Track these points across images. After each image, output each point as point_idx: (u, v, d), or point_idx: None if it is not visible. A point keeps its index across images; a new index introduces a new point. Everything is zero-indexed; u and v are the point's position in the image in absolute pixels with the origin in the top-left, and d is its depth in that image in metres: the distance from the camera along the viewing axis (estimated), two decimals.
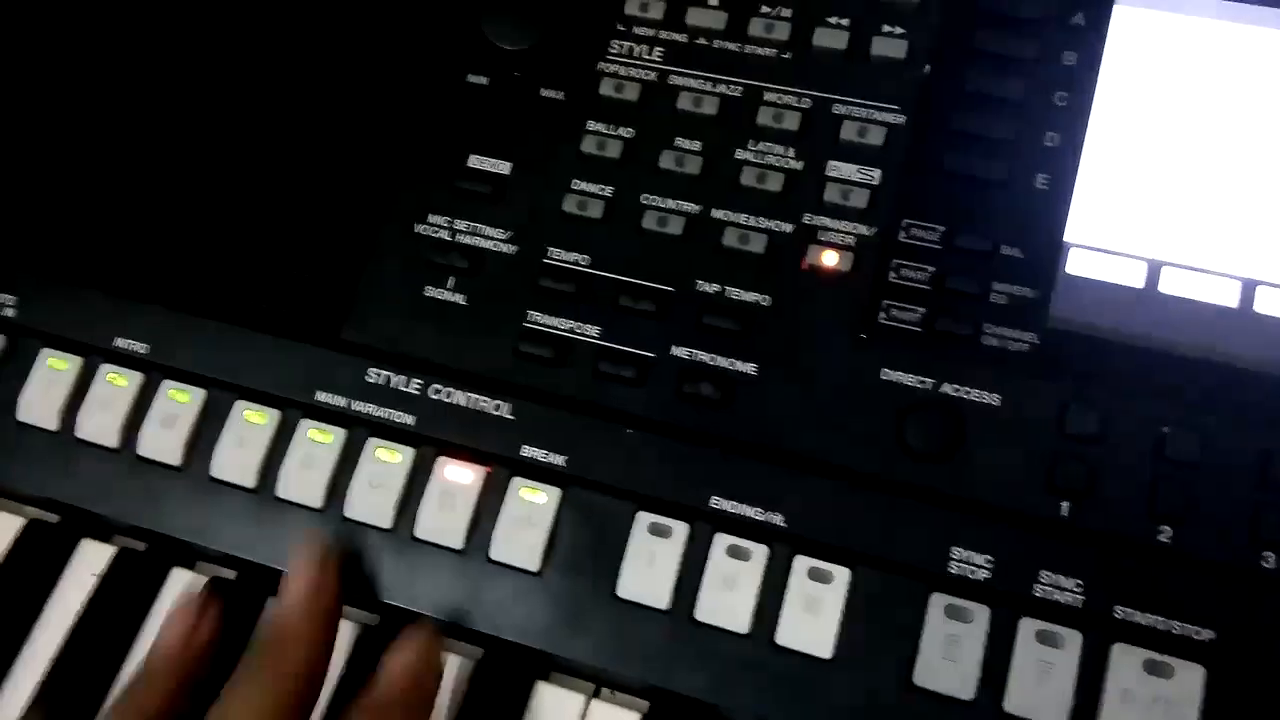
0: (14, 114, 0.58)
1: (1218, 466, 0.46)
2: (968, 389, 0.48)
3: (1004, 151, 0.50)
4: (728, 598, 0.47)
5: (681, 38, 0.54)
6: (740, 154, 0.52)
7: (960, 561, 0.46)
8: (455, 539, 0.49)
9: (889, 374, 0.48)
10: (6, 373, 0.54)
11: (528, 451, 0.50)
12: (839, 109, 0.52)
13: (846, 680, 0.46)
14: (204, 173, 0.55)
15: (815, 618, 0.46)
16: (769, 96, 0.53)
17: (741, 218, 0.51)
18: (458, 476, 0.49)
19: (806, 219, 0.51)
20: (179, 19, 0.58)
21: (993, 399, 0.48)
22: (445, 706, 0.48)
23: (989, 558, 0.46)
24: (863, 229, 0.50)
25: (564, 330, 0.51)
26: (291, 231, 0.54)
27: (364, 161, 0.55)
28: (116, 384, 0.52)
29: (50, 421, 0.53)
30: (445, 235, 0.53)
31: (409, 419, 0.51)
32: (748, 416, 0.49)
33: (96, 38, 0.58)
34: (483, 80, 0.55)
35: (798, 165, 0.52)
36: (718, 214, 0.52)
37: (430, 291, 0.52)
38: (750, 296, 0.50)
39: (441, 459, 0.50)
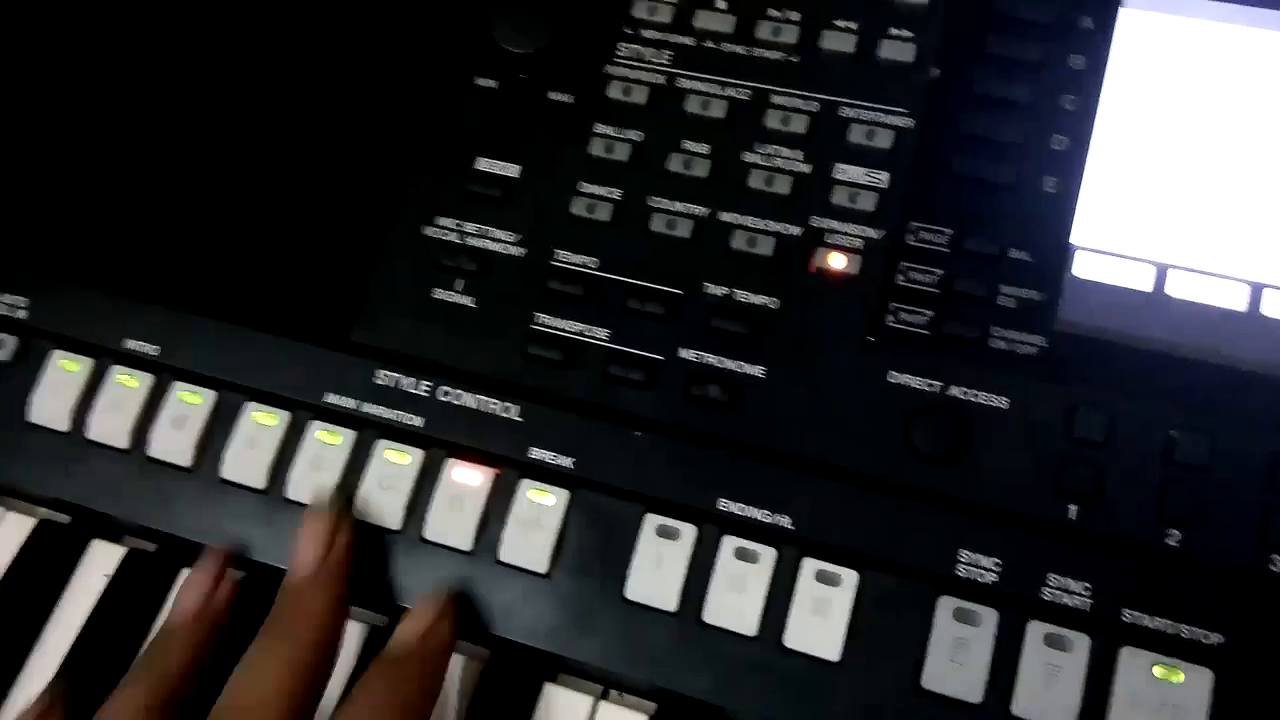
0: (26, 117, 0.58)
1: (1226, 469, 0.46)
2: (975, 392, 0.48)
3: (1011, 155, 0.50)
4: (736, 600, 0.47)
5: (689, 41, 0.54)
6: (748, 157, 0.52)
7: (968, 564, 0.46)
8: (464, 540, 0.49)
9: (896, 377, 0.48)
10: (18, 374, 0.54)
11: (536, 453, 0.50)
12: (847, 112, 0.52)
13: (854, 683, 0.46)
14: (215, 175, 0.55)
15: (823, 620, 0.46)
16: (777, 99, 0.53)
17: (749, 220, 0.51)
18: (466, 478, 0.50)
19: (814, 222, 0.51)
20: (187, 20, 0.58)
21: (1000, 402, 0.48)
22: (453, 707, 0.49)
23: (997, 561, 0.46)
24: (870, 232, 0.51)
25: (572, 333, 0.51)
26: (301, 234, 0.54)
27: (373, 164, 0.55)
28: (127, 385, 0.53)
29: (61, 422, 0.53)
30: (454, 238, 0.53)
31: (418, 421, 0.51)
32: (755, 419, 0.49)
33: (108, 40, 0.58)
34: (491, 83, 0.55)
35: (805, 168, 0.52)
36: (726, 217, 0.52)
37: (439, 294, 0.52)
38: (758, 299, 0.50)
39: (450, 461, 0.50)
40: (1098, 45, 0.51)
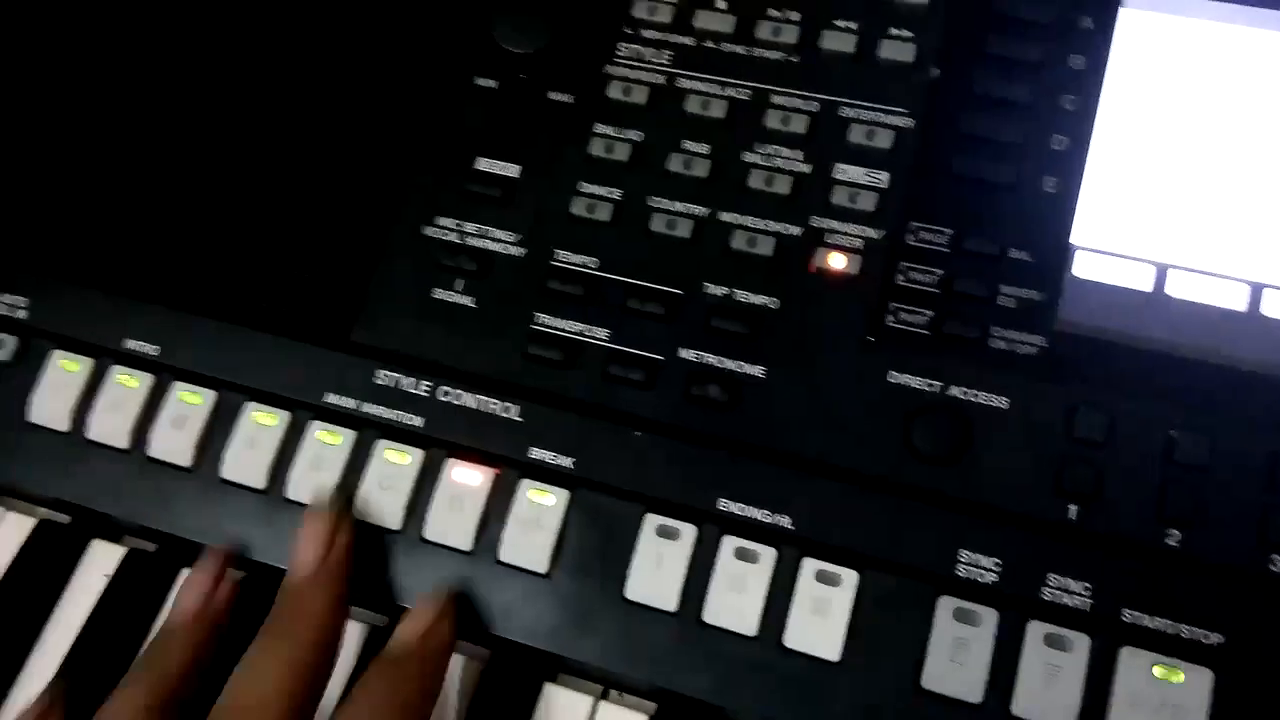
0: (25, 117, 0.58)
1: (1226, 469, 0.46)
2: (975, 392, 0.48)
3: (1011, 154, 0.50)
4: (736, 600, 0.47)
5: (689, 41, 0.54)
6: (748, 157, 0.52)
7: (968, 564, 0.46)
8: (464, 540, 0.49)
9: (896, 377, 0.48)
10: (18, 374, 0.54)
11: (536, 453, 0.50)
12: (847, 112, 0.52)
13: (854, 683, 0.46)
14: (215, 175, 0.55)
15: (823, 620, 0.46)
16: (777, 99, 0.53)
17: (749, 220, 0.51)
18: (466, 478, 0.50)
19: (814, 222, 0.51)
20: (187, 20, 0.58)
21: (1000, 402, 0.48)
22: (453, 707, 0.49)
23: (997, 561, 0.46)
24: (870, 232, 0.51)
25: (572, 333, 0.51)
26: (301, 234, 0.54)
27: (373, 164, 0.55)
28: (127, 385, 0.53)
29: (61, 422, 0.53)
30: (454, 238, 0.53)
31: (418, 421, 0.51)
32: (755, 419, 0.49)
33: (108, 40, 0.58)
34: (491, 83, 0.55)
35: (805, 168, 0.52)
36: (725, 217, 0.52)
37: (439, 294, 0.52)
38: (758, 299, 0.50)
39: (450, 461, 0.50)
40: (1098, 45, 0.51)
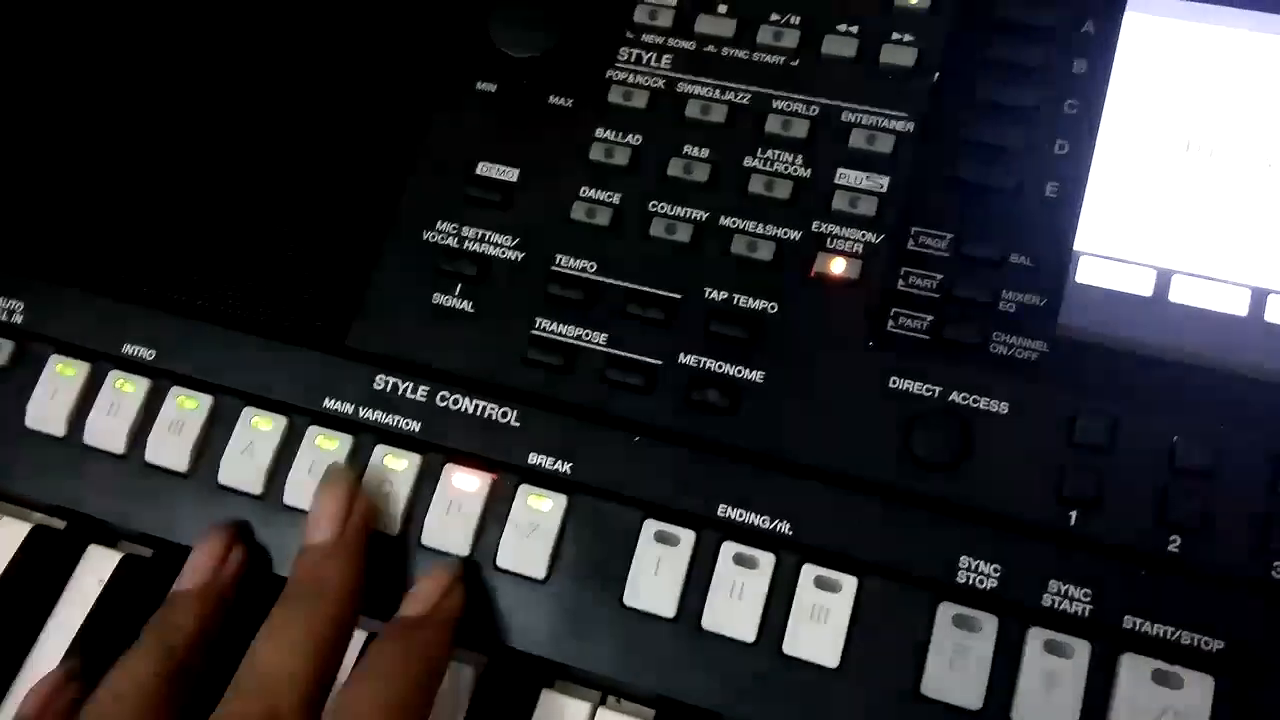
0: (21, 120, 0.58)
1: (1228, 475, 0.45)
2: (976, 397, 0.48)
3: (1013, 159, 0.50)
4: (734, 606, 0.46)
5: (690, 45, 0.54)
6: (748, 161, 0.52)
7: (968, 571, 0.46)
8: (461, 546, 0.49)
9: (897, 382, 0.48)
10: (15, 378, 0.54)
11: (534, 459, 0.49)
12: (848, 116, 0.52)
13: (853, 690, 0.45)
14: (212, 179, 0.55)
15: (822, 627, 0.46)
16: (777, 104, 0.53)
17: (749, 225, 0.51)
18: (464, 484, 0.49)
19: (815, 226, 0.51)
20: (187, 24, 0.58)
21: (1001, 407, 0.47)
22: (451, 714, 0.48)
23: (997, 567, 0.46)
24: (871, 237, 0.50)
25: (571, 338, 0.51)
26: (299, 238, 0.54)
27: (372, 168, 0.55)
28: (124, 390, 0.52)
29: (58, 427, 0.53)
30: (453, 242, 0.53)
31: (416, 426, 0.50)
32: (755, 424, 0.49)
33: (103, 43, 0.58)
34: (491, 87, 0.55)
35: (806, 173, 0.52)
36: (726, 221, 0.51)
37: (438, 298, 0.52)
38: (758, 304, 0.50)
39: (448, 466, 0.50)
40: (1101, 50, 0.51)
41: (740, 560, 0.47)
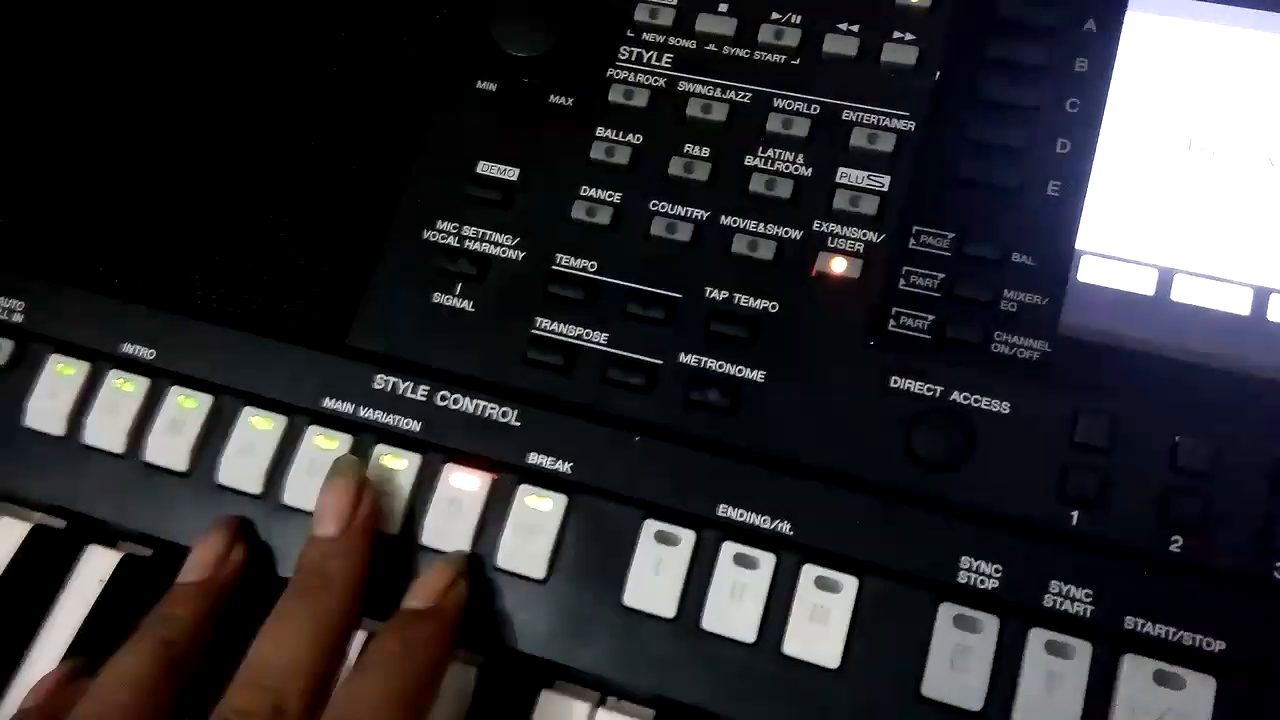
0: (22, 119, 0.58)
1: (1229, 475, 0.45)
2: (977, 397, 0.47)
3: (1015, 158, 0.50)
4: (734, 607, 0.46)
5: (691, 44, 0.54)
6: (749, 160, 0.52)
7: (969, 571, 0.46)
8: (461, 546, 0.49)
9: (898, 382, 0.48)
10: (14, 378, 0.54)
11: (534, 459, 0.49)
12: (849, 115, 0.52)
13: (853, 690, 0.45)
14: (212, 177, 0.55)
15: (822, 627, 0.46)
16: (778, 103, 0.52)
17: (750, 224, 0.51)
18: (464, 483, 0.49)
19: (816, 226, 0.51)
20: (186, 23, 0.58)
21: (1003, 407, 0.47)
22: (449, 714, 0.48)
23: (998, 567, 0.46)
24: (872, 236, 0.50)
25: (572, 337, 0.51)
26: (299, 237, 0.54)
27: (372, 167, 0.54)
28: (123, 389, 0.52)
29: (57, 427, 0.52)
30: (453, 241, 0.53)
31: (415, 425, 0.50)
32: (755, 424, 0.49)
33: (104, 42, 0.58)
34: (491, 86, 0.55)
35: (807, 172, 0.51)
36: (726, 221, 0.51)
37: (438, 298, 0.52)
38: (759, 303, 0.50)
39: (448, 466, 0.50)
40: (1103, 49, 0.51)
41: (740, 560, 0.47)
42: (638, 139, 0.53)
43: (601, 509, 0.49)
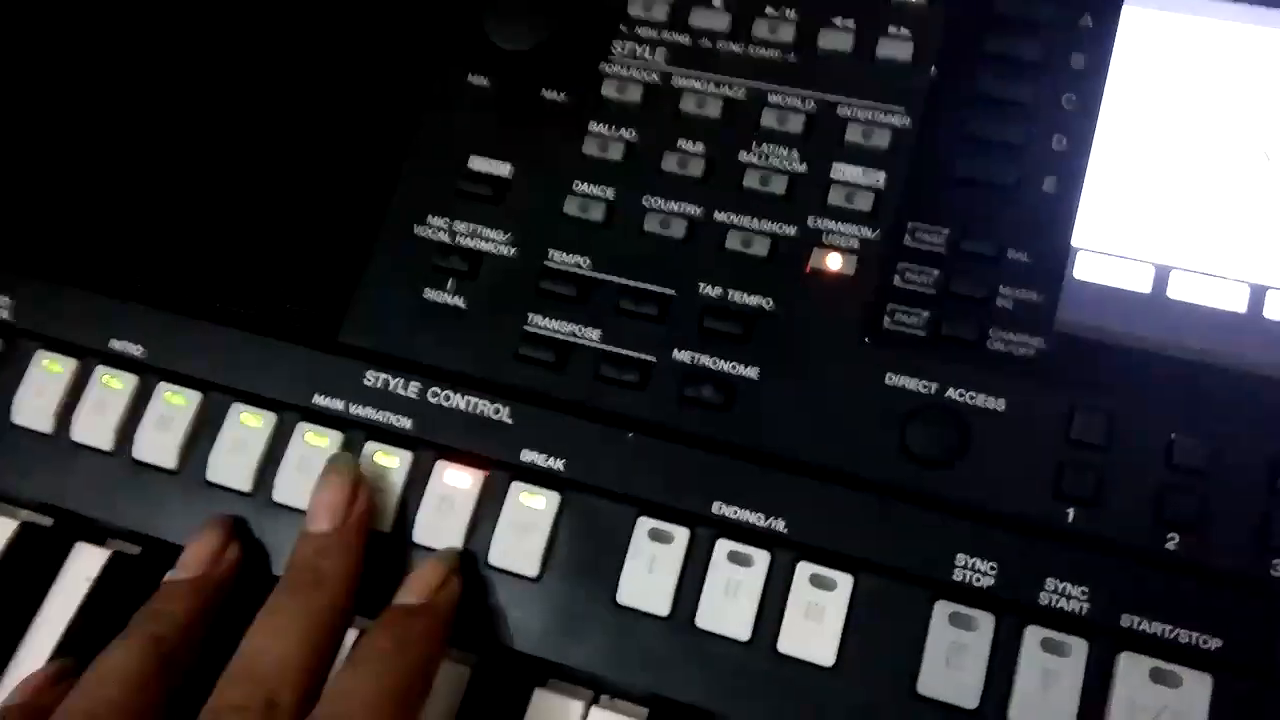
0: (10, 114, 0.57)
1: (1226, 473, 0.45)
2: (973, 394, 0.47)
3: (1011, 155, 0.50)
4: (729, 604, 0.46)
5: (685, 39, 0.54)
6: (744, 156, 0.52)
7: (965, 568, 0.46)
8: (453, 543, 0.48)
9: (893, 379, 0.48)
10: (2, 375, 0.53)
11: (527, 456, 0.49)
12: (844, 111, 0.52)
13: (849, 688, 0.45)
14: (201, 173, 0.55)
15: (817, 625, 0.46)
16: (773, 98, 0.52)
17: (745, 220, 0.51)
18: (456, 481, 0.49)
19: (810, 222, 0.50)
20: (176, 18, 0.58)
21: (998, 404, 0.47)
22: (442, 713, 0.48)
23: (994, 565, 0.45)
24: (867, 232, 0.50)
25: (564, 334, 0.50)
26: (289, 233, 0.53)
27: (363, 162, 0.54)
28: (112, 386, 0.52)
29: (45, 424, 0.52)
30: (445, 237, 0.52)
31: (407, 422, 0.50)
32: (750, 421, 0.48)
33: (92, 36, 0.58)
34: (484, 81, 0.55)
35: (802, 168, 0.51)
36: (720, 217, 0.51)
37: (429, 294, 0.52)
38: (753, 300, 0.50)
39: (440, 463, 0.49)
40: (1100, 44, 0.51)
41: (735, 558, 0.47)
42: (631, 134, 0.53)
43: (595, 506, 0.48)
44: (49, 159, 0.56)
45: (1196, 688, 0.43)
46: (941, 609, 0.45)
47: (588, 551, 0.48)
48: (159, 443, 0.51)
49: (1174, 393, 0.46)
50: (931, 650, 0.45)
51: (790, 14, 0.53)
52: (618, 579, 0.47)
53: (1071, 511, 0.46)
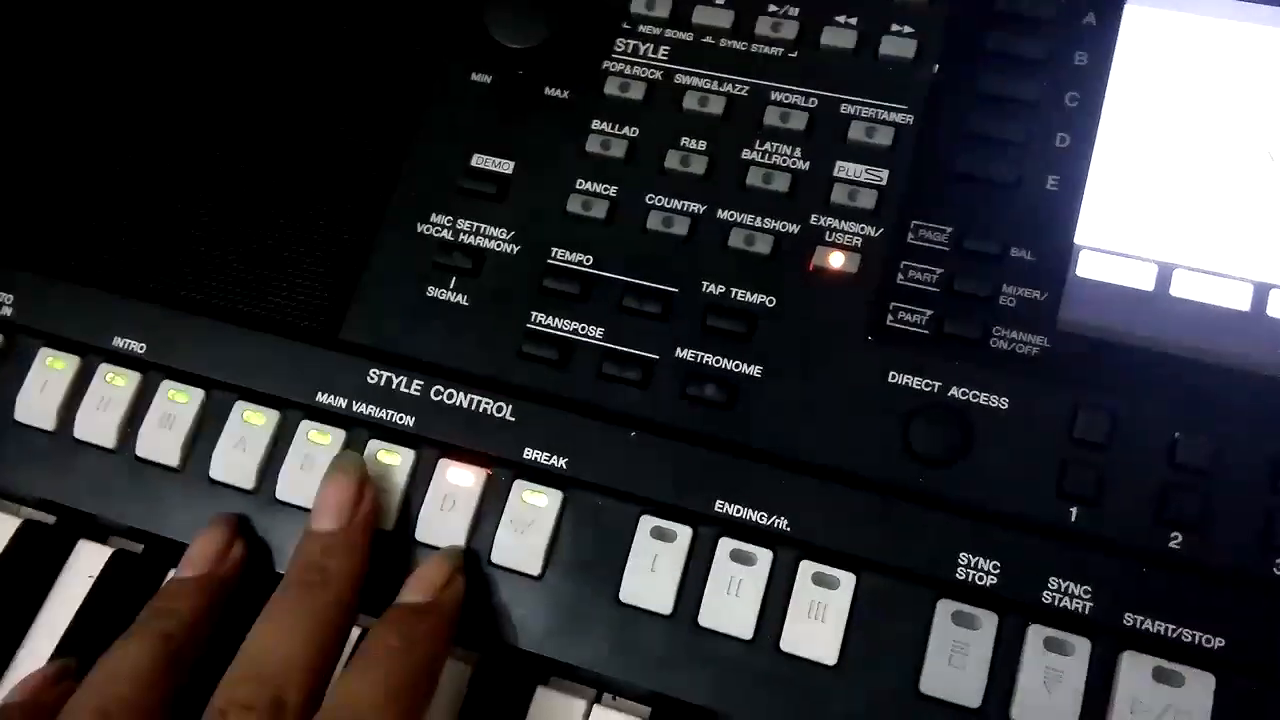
0: (13, 112, 0.57)
1: (1229, 472, 0.45)
2: (976, 392, 0.47)
3: (1014, 152, 0.50)
4: (731, 603, 0.46)
5: (687, 36, 0.54)
6: (746, 154, 0.52)
7: (967, 567, 0.46)
8: (456, 541, 0.48)
9: (896, 377, 0.48)
10: (4, 372, 0.53)
11: (530, 454, 0.49)
12: (847, 109, 0.52)
13: (851, 687, 0.45)
14: (204, 170, 0.55)
15: (820, 624, 0.46)
16: (776, 96, 0.52)
17: (747, 218, 0.51)
18: (459, 478, 0.49)
19: (813, 220, 0.50)
20: (179, 16, 0.57)
21: (1001, 403, 0.47)
22: (444, 711, 0.48)
23: (996, 563, 0.45)
24: (870, 230, 0.50)
25: (567, 331, 0.50)
26: (293, 230, 0.53)
27: (366, 160, 0.54)
28: (115, 384, 0.52)
29: (48, 421, 0.52)
30: (448, 235, 0.52)
31: (410, 420, 0.50)
32: (752, 419, 0.48)
33: (94, 34, 0.58)
34: (486, 79, 0.55)
35: (804, 165, 0.51)
36: (723, 214, 0.51)
37: (432, 292, 0.52)
38: (756, 298, 0.50)
39: (443, 461, 0.49)
40: (1102, 42, 0.50)
41: (737, 556, 0.47)
42: (634, 132, 0.53)
43: (597, 505, 0.48)
44: (51, 155, 0.56)
45: (1199, 687, 0.43)
46: (944, 608, 0.45)
47: (590, 550, 0.48)
48: (162, 440, 0.51)
49: (1177, 391, 0.46)
50: (934, 649, 0.45)
51: (793, 11, 0.53)
52: (620, 577, 0.47)
53: (1074, 510, 0.46)
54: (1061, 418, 0.46)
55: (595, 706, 0.48)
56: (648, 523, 0.47)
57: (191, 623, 0.45)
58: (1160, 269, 0.48)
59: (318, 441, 0.50)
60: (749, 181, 0.51)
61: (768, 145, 0.52)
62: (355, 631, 0.48)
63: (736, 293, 0.50)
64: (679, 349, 0.50)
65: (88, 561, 0.52)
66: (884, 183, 0.50)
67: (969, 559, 0.46)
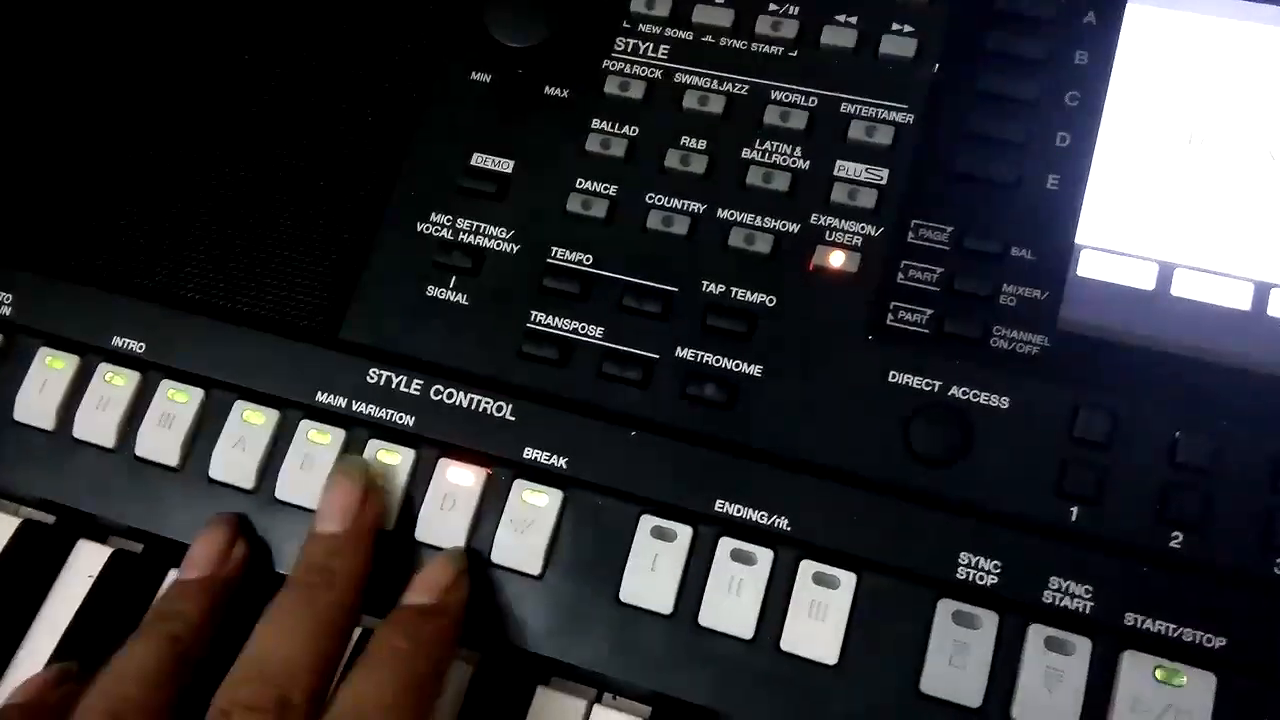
0: (12, 111, 0.57)
1: (1230, 471, 0.45)
2: (976, 392, 0.47)
3: (1014, 152, 0.50)
4: (732, 602, 0.46)
5: (687, 35, 0.54)
6: (746, 153, 0.52)
7: (968, 567, 0.45)
8: (456, 541, 0.48)
9: (896, 376, 0.48)
10: (4, 372, 0.53)
11: (530, 453, 0.49)
12: (847, 108, 0.51)
13: (852, 687, 0.45)
14: (203, 170, 0.55)
15: (820, 623, 0.46)
16: (776, 95, 0.52)
17: (747, 217, 0.51)
18: (459, 478, 0.49)
19: (813, 219, 0.50)
20: (178, 16, 0.57)
21: (1001, 402, 0.47)
22: (445, 711, 0.48)
23: (997, 563, 0.45)
24: (870, 229, 0.50)
25: (567, 331, 0.50)
26: (292, 230, 0.53)
27: (365, 159, 0.54)
28: (114, 383, 0.52)
29: (47, 421, 0.52)
30: (447, 234, 0.52)
31: (409, 420, 0.50)
32: (753, 419, 0.48)
33: (94, 32, 0.58)
34: (486, 78, 0.55)
35: (804, 165, 0.51)
36: (723, 214, 0.51)
37: (432, 291, 0.52)
38: (756, 297, 0.50)
39: (443, 461, 0.49)
40: (1103, 41, 0.50)
41: (738, 556, 0.47)
42: (634, 131, 0.53)
43: (598, 504, 0.48)
44: (51, 155, 0.56)
45: (1200, 686, 0.43)
46: (945, 607, 0.45)
47: (590, 549, 0.48)
48: (161, 440, 0.51)
49: (1177, 391, 0.46)
50: (935, 649, 0.45)
51: (793, 10, 0.53)
52: (620, 577, 0.47)
53: (1075, 510, 0.45)
54: (1062, 417, 0.46)
55: (595, 706, 0.48)
56: (648, 522, 0.47)
57: (197, 624, 0.46)
58: (1161, 268, 0.48)
59: (317, 441, 0.50)
60: (749, 181, 0.51)
61: (768, 144, 0.52)
62: (355, 632, 0.48)
63: (736, 292, 0.50)
64: (679, 348, 0.50)
65: (87, 561, 0.52)
66: (884, 182, 0.50)
67: (969, 559, 0.46)
